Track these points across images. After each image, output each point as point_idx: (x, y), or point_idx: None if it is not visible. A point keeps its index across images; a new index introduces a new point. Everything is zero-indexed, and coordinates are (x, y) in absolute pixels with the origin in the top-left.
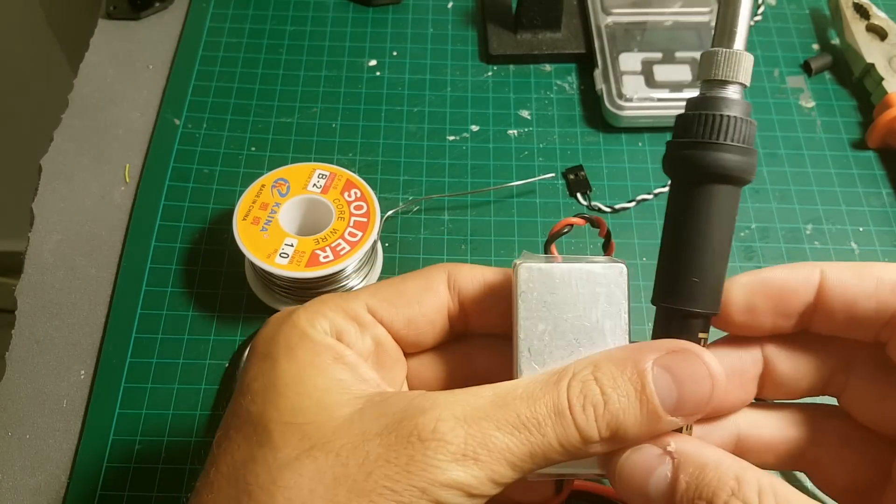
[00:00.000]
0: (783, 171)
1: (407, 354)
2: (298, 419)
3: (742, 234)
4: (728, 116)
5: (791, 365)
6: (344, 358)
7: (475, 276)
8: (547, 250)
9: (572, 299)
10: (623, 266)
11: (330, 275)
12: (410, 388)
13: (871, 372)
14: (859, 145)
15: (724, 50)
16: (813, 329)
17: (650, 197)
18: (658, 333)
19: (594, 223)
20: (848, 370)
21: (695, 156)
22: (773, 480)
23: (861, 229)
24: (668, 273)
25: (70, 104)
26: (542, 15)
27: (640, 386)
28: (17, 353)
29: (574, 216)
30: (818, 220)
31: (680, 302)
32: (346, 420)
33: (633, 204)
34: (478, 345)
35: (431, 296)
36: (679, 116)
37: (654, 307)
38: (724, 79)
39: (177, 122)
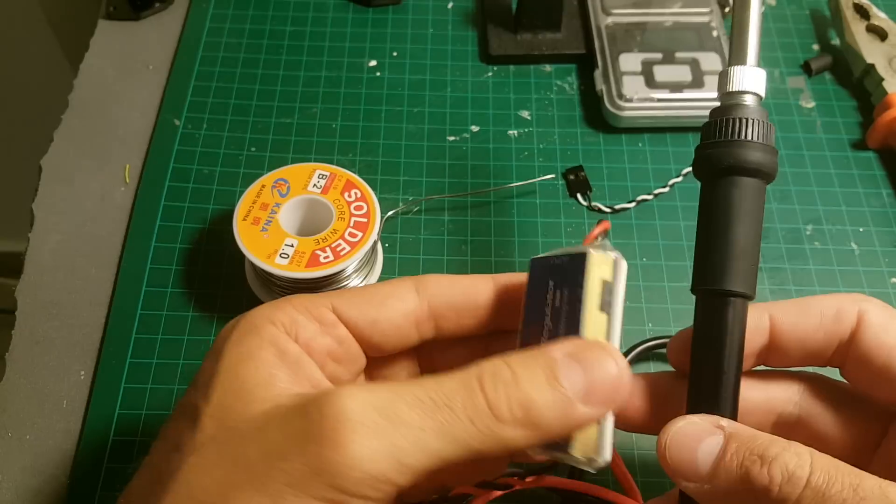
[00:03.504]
0: (783, 172)
1: (373, 359)
2: (221, 411)
3: None
4: (742, 119)
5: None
6: (287, 354)
7: (442, 281)
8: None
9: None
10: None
11: (330, 275)
12: None
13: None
14: (859, 146)
15: (739, 66)
16: (769, 364)
17: (650, 197)
18: (697, 318)
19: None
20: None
21: (713, 154)
22: (817, 452)
23: (861, 230)
24: (699, 260)
25: (70, 105)
26: (542, 15)
27: (550, 372)
28: (17, 353)
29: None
30: (818, 220)
31: (710, 283)
32: (261, 412)
33: (633, 204)
34: (442, 349)
35: (397, 300)
36: (703, 126)
37: (693, 299)
38: (738, 90)
39: (177, 122)
